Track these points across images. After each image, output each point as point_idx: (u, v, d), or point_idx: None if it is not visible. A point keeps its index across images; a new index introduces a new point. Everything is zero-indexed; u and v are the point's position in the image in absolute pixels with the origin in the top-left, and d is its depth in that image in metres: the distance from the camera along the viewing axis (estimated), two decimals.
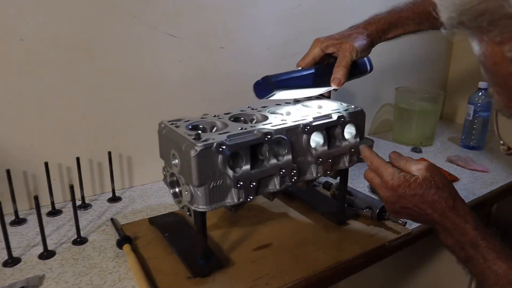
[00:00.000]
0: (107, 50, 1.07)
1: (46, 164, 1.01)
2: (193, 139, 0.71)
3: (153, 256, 0.87)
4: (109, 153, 1.09)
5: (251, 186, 0.74)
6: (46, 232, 0.97)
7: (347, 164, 0.90)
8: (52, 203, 1.05)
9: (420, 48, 1.78)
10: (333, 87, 0.92)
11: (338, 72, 0.91)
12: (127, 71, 1.11)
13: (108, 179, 1.12)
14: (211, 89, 1.25)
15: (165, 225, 0.95)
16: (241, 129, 0.76)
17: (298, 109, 0.91)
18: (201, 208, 0.73)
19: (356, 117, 0.89)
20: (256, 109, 0.89)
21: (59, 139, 1.07)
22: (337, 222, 0.99)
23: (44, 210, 1.06)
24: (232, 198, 0.75)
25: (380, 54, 1.66)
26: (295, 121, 0.81)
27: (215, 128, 0.81)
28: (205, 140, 0.70)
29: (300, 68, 0.95)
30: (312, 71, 0.93)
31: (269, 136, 0.75)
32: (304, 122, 0.81)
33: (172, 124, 0.80)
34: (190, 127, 0.79)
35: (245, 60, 1.28)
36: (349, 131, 0.90)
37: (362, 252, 0.90)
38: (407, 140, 1.59)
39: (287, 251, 0.89)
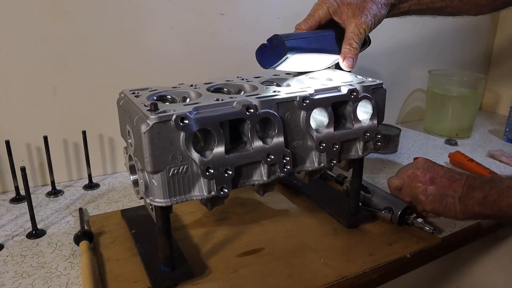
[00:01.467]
0: (83, 11, 0.90)
1: (8, 142, 0.86)
2: (147, 110, 0.53)
3: (114, 257, 0.71)
4: (84, 133, 0.93)
5: (226, 175, 0.56)
6: (3, 221, 0.84)
7: (360, 153, 0.71)
8: (16, 188, 0.91)
9: (458, 24, 1.52)
10: (344, 68, 0.73)
11: (351, 51, 0.72)
12: (107, 38, 0.94)
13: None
14: (208, 63, 1.07)
15: (136, 219, 0.79)
16: (217, 100, 0.58)
17: (301, 81, 0.71)
18: (157, 202, 0.56)
19: (374, 93, 0.69)
20: (246, 79, 0.71)
21: (25, 115, 0.92)
22: (347, 224, 0.79)
23: (10, 196, 0.92)
24: (201, 190, 0.57)
25: (411, 30, 1.45)
26: (290, 93, 0.62)
27: (187, 100, 0.63)
28: (163, 112, 0.53)
29: (304, 31, 0.75)
30: (331, 32, 0.74)
31: (251, 110, 0.57)
32: (302, 94, 0.62)
33: (133, 93, 0.63)
34: (155, 98, 0.62)
35: (250, 30, 1.09)
36: (364, 110, 0.70)
37: (376, 266, 0.70)
38: (440, 131, 1.37)
39: (280, 259, 0.71)
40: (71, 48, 0.91)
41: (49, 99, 0.93)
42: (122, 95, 0.64)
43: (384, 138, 1.17)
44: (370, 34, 0.80)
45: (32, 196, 0.92)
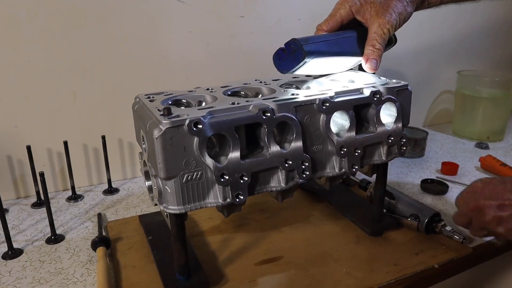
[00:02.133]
0: (102, 17, 0.90)
1: (29, 148, 0.87)
2: (160, 115, 0.52)
3: (130, 264, 0.70)
4: (103, 137, 0.93)
5: (241, 181, 0.54)
6: (24, 226, 0.84)
7: (384, 158, 0.67)
8: (37, 193, 0.91)
9: (489, 20, 1.46)
10: (367, 70, 0.70)
11: (374, 52, 0.68)
12: (126, 42, 0.94)
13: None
14: (228, 66, 1.05)
15: (153, 225, 0.78)
16: (233, 103, 0.56)
17: (321, 84, 0.69)
18: (171, 209, 0.54)
19: (399, 95, 0.66)
20: (264, 82, 0.69)
21: (46, 120, 0.92)
22: (370, 232, 0.76)
23: (32, 200, 0.93)
24: (216, 197, 0.55)
25: (439, 28, 1.39)
26: (309, 96, 0.59)
27: (203, 104, 0.61)
28: (176, 117, 0.51)
29: (325, 33, 0.72)
30: (353, 34, 0.70)
31: (268, 114, 0.54)
32: (322, 97, 0.59)
33: (147, 98, 0.61)
34: (170, 102, 0.61)
35: (270, 32, 1.07)
36: (388, 113, 0.67)
37: (402, 276, 0.67)
38: (470, 134, 1.31)
39: (300, 268, 0.68)
40: (90, 53, 0.91)
41: (69, 104, 0.93)
42: (137, 99, 0.63)
43: (410, 141, 1.13)
44: (395, 33, 0.77)
45: (52, 201, 0.93)
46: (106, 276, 0.64)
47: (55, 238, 0.78)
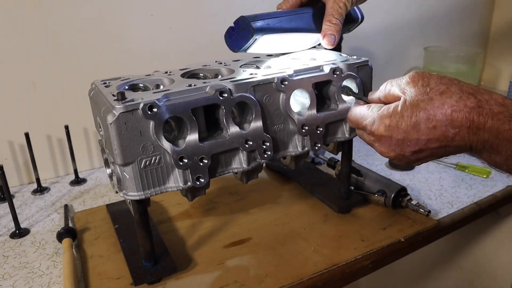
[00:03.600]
0: (58, 2, 0.87)
1: None
2: (114, 100, 0.50)
3: (97, 253, 0.69)
4: (66, 127, 0.90)
5: (201, 164, 0.54)
6: None
7: (347, 135, 0.68)
8: (0, 187, 0.88)
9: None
10: (325, 46, 0.69)
11: (331, 27, 0.67)
12: (86, 28, 0.91)
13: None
14: (193, 49, 1.03)
15: (120, 214, 0.77)
16: (189, 85, 0.55)
17: (282, 62, 0.68)
18: (131, 195, 0.53)
19: (359, 71, 0.66)
20: (224, 63, 0.68)
21: (5, 112, 0.89)
22: (338, 210, 0.76)
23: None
24: (176, 181, 0.54)
25: (407, 7, 1.40)
26: (267, 75, 0.58)
27: (161, 87, 0.60)
28: (130, 101, 0.50)
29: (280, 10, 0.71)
30: (309, 10, 0.69)
31: (225, 95, 0.53)
32: (280, 75, 0.58)
33: (103, 83, 0.60)
34: (127, 87, 0.59)
35: (235, 13, 1.02)
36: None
37: (369, 251, 0.68)
38: None
39: (268, 249, 0.68)
40: (48, 40, 0.88)
41: (29, 94, 0.90)
42: (93, 85, 0.61)
43: None
44: (363, 11, 0.76)
45: (17, 194, 0.91)
46: (72, 267, 0.63)
47: (19, 232, 0.76)
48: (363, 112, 0.55)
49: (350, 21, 0.75)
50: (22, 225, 0.78)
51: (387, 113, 0.51)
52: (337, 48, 0.91)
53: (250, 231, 0.73)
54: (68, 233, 0.72)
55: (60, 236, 0.72)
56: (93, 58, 0.93)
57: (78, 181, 0.95)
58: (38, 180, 0.91)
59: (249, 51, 0.66)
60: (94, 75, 0.87)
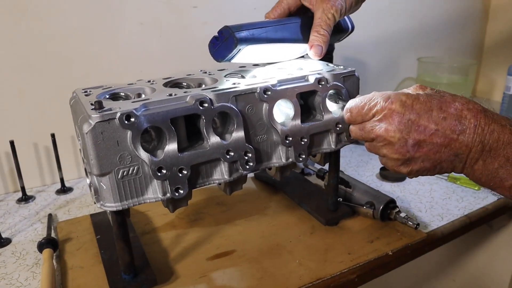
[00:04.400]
0: (47, 10, 0.86)
1: None
2: (91, 109, 0.49)
3: (78, 264, 0.68)
4: (53, 136, 0.89)
5: (180, 175, 0.52)
6: None
7: (333, 146, 0.66)
8: None
9: (449, 8, 1.47)
10: (311, 57, 0.68)
11: (318, 38, 0.66)
12: (74, 36, 0.90)
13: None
14: (183, 58, 1.03)
15: (103, 224, 0.75)
16: (170, 95, 0.54)
17: (268, 72, 0.67)
18: (108, 206, 0.52)
19: (345, 81, 0.65)
20: (209, 72, 0.67)
21: None
22: (325, 222, 0.75)
23: None
24: (155, 192, 0.53)
25: (400, 15, 1.40)
26: (250, 85, 0.57)
27: (142, 96, 0.59)
28: (108, 110, 0.49)
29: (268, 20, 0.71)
30: (297, 20, 0.69)
31: (205, 105, 0.53)
32: (263, 85, 0.57)
33: (84, 92, 0.59)
34: (107, 96, 0.58)
35: (225, 22, 1.04)
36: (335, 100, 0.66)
37: (355, 265, 0.66)
38: None
39: (253, 261, 0.67)
40: (35, 48, 0.87)
41: (16, 102, 0.89)
42: (74, 94, 0.60)
43: None
44: (354, 21, 0.76)
45: (1, 203, 0.90)
46: (50, 279, 0.62)
47: (0, 242, 0.75)
48: (368, 96, 0.53)
49: (340, 31, 0.75)
50: (4, 235, 0.77)
51: (402, 92, 0.52)
52: (329, 58, 0.91)
53: (235, 243, 0.71)
54: (49, 243, 0.70)
55: (40, 247, 0.70)
56: (81, 66, 0.92)
57: (64, 190, 0.94)
58: (23, 188, 0.90)
59: (234, 60, 0.65)
60: (82, 83, 0.86)
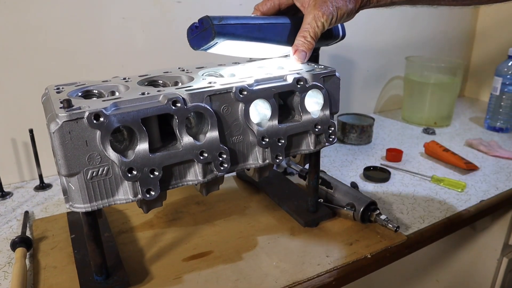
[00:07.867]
0: (25, 1, 0.84)
1: None
2: (60, 107, 0.48)
3: (51, 264, 0.66)
4: (31, 131, 0.88)
5: (151, 176, 0.51)
6: None
7: (312, 147, 0.65)
8: None
9: (438, 9, 1.46)
10: (294, 61, 0.67)
11: (304, 44, 0.65)
12: (53, 30, 0.88)
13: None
14: (166, 53, 1.01)
15: (79, 222, 0.74)
16: (142, 94, 0.52)
17: (247, 71, 0.66)
18: (77, 207, 0.51)
19: (326, 81, 0.64)
20: (187, 70, 0.65)
21: None
22: (305, 223, 0.74)
23: None
24: (126, 193, 0.52)
25: (389, 15, 1.38)
26: (225, 84, 0.56)
27: (116, 94, 0.58)
28: (76, 109, 0.47)
29: (261, 14, 0.69)
30: (285, 20, 0.67)
31: (178, 104, 0.51)
32: (239, 85, 0.56)
33: (56, 89, 0.57)
34: (80, 93, 0.57)
35: None
36: (315, 101, 0.65)
37: (332, 268, 0.65)
38: (418, 120, 1.32)
39: (229, 263, 0.66)
40: (14, 41, 0.85)
41: None
42: (46, 91, 0.58)
43: (357, 129, 1.12)
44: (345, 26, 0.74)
45: None
46: (21, 279, 0.60)
47: None
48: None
49: (329, 37, 0.73)
50: None
51: None
52: (314, 56, 0.89)
53: (212, 244, 0.70)
54: (22, 242, 0.69)
55: (14, 245, 0.69)
56: (61, 61, 0.90)
57: (43, 186, 0.92)
58: (0, 184, 0.88)
59: (211, 51, 0.63)
60: (61, 78, 0.85)
